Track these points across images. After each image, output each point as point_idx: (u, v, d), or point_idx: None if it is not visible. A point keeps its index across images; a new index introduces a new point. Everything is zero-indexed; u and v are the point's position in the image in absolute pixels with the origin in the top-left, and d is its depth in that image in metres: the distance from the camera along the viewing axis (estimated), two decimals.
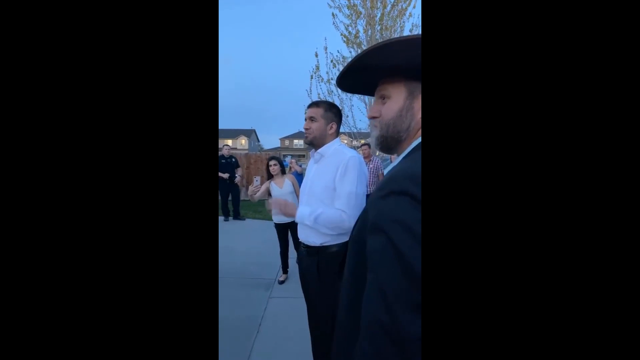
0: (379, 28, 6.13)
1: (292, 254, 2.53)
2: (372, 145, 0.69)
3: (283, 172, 3.02)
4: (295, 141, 46.35)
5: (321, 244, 1.35)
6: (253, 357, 1.94)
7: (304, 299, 1.52)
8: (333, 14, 6.31)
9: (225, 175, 5.71)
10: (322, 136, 1.40)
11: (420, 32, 0.61)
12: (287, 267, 3.16)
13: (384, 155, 5.97)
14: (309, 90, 6.41)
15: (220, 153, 5.81)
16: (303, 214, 1.36)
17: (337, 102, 6.08)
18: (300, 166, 5.21)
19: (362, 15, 6.18)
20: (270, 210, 2.04)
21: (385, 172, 0.98)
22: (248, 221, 5.95)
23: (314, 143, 1.41)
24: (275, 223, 3.01)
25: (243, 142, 44.90)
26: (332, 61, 6.34)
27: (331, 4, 6.29)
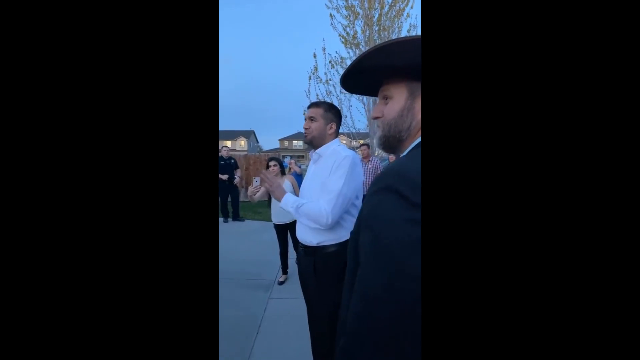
0: (376, 29, 6.14)
1: (292, 254, 2.53)
2: (375, 145, 0.70)
3: (282, 173, 3.03)
4: (295, 142, 46.32)
5: (318, 243, 1.35)
6: (253, 358, 1.94)
7: (303, 300, 1.52)
8: (331, 15, 6.32)
9: (225, 177, 5.71)
10: (322, 136, 1.40)
11: (418, 33, 0.62)
12: (287, 268, 3.16)
13: (383, 155, 5.97)
14: (307, 91, 6.42)
15: (219, 154, 5.82)
16: (288, 200, 1.35)
17: (335, 103, 6.08)
18: (300, 167, 5.21)
19: (360, 16, 6.19)
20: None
21: None
22: (247, 222, 5.95)
23: (313, 143, 1.41)
24: (274, 224, 3.01)
25: (242, 143, 44.85)
26: (330, 62, 6.34)
27: (329, 4, 6.30)
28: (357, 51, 6.21)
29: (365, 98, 6.06)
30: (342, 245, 1.32)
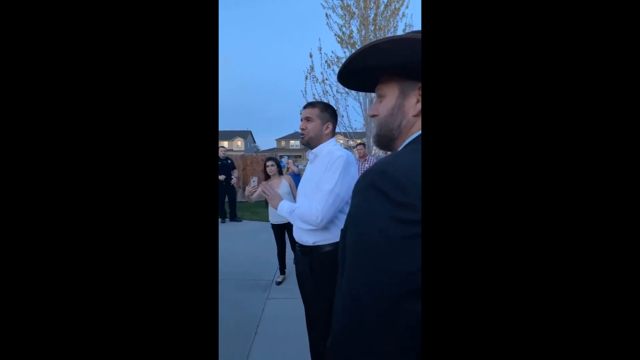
0: (372, 28, 6.14)
1: (290, 254, 2.53)
2: (372, 143, 0.71)
3: (280, 172, 3.03)
4: (292, 142, 46.24)
5: (313, 243, 1.36)
6: (251, 358, 1.94)
7: (301, 300, 1.53)
8: (327, 15, 6.31)
9: (222, 177, 5.70)
10: (318, 136, 1.41)
11: (411, 32, 0.62)
12: (285, 268, 3.16)
13: (380, 154, 5.98)
14: (303, 90, 6.41)
15: None
16: (283, 206, 1.40)
17: (332, 103, 6.08)
18: (298, 167, 5.21)
19: (355, 16, 6.18)
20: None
21: None
22: (245, 222, 5.94)
23: (310, 143, 1.41)
24: (272, 224, 3.00)
25: (239, 143, 44.71)
26: (326, 62, 6.33)
27: (325, 4, 6.29)
28: (353, 51, 6.18)
29: (361, 97, 6.06)
30: (338, 245, 1.33)
